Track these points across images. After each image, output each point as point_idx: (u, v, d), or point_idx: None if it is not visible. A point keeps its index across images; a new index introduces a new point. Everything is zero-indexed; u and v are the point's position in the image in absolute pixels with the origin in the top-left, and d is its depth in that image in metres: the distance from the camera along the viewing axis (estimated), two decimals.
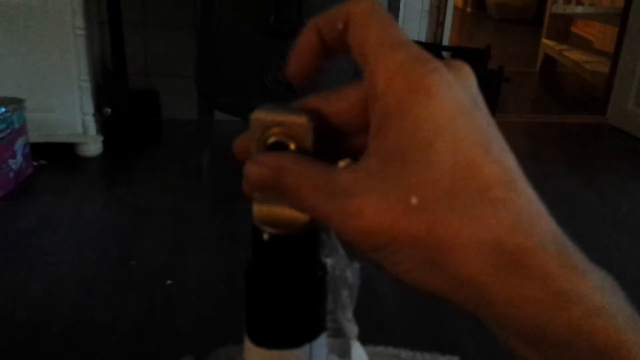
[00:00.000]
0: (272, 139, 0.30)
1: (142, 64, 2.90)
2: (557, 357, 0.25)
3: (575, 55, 4.35)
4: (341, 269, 0.33)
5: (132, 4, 2.77)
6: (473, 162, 0.25)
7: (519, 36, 6.38)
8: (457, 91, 0.26)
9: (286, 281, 0.31)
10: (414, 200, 0.25)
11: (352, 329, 0.35)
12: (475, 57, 2.73)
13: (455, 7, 4.00)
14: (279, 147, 0.30)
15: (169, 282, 1.72)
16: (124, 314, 1.58)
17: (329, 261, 0.33)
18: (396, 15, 2.90)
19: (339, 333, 0.35)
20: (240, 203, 2.18)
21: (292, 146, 0.30)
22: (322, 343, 0.33)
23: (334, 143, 0.31)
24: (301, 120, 0.29)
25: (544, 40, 4.80)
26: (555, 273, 0.24)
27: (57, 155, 2.47)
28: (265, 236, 0.30)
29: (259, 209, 0.31)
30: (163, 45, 2.89)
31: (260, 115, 0.30)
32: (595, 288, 0.25)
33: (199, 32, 2.27)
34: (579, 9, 4.86)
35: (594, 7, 4.91)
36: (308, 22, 0.30)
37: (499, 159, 0.26)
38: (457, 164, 0.25)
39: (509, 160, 0.26)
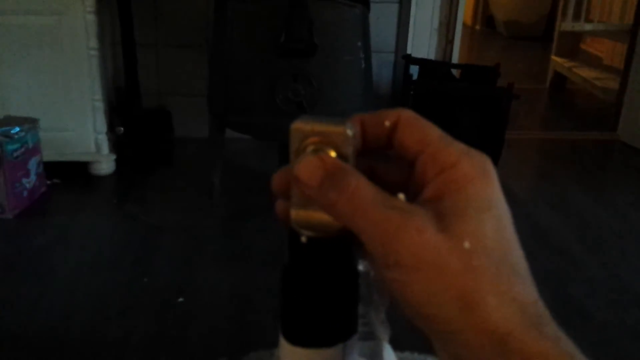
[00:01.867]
0: (311, 148, 0.30)
1: (154, 83, 2.93)
2: None
3: (585, 72, 4.34)
4: (376, 272, 0.35)
5: (145, 24, 2.80)
6: (510, 244, 0.30)
7: (528, 53, 6.38)
8: (501, 193, 0.32)
9: (322, 282, 0.33)
10: (466, 245, 0.29)
11: (385, 330, 0.36)
12: (484, 75, 2.74)
13: (464, 25, 4.02)
14: None
15: (180, 299, 1.72)
16: (136, 331, 1.58)
17: (361, 266, 0.34)
18: (405, 33, 2.92)
19: (369, 336, 0.36)
20: (251, 221, 2.20)
21: (333, 154, 0.30)
22: (354, 343, 0.35)
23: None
24: (340, 129, 0.30)
25: (554, 57, 4.80)
26: (566, 341, 0.29)
27: (70, 174, 2.49)
28: (303, 239, 0.32)
29: (297, 214, 0.32)
30: (175, 64, 2.92)
31: (299, 125, 0.31)
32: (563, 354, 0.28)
33: (210, 51, 2.29)
34: (588, 26, 4.86)
35: (603, 24, 4.91)
36: (353, 115, 0.33)
37: (520, 252, 0.31)
38: (501, 241, 0.30)
39: (524, 258, 0.32)
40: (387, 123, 0.33)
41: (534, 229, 2.23)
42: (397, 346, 0.39)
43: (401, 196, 0.31)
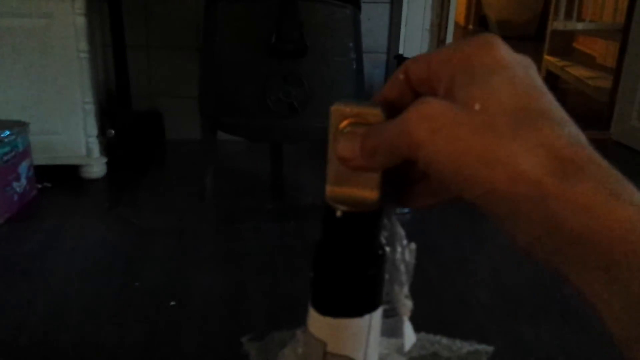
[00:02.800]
0: (348, 129, 0.34)
1: (145, 85, 2.91)
2: (604, 255, 0.26)
3: (578, 71, 4.35)
4: (401, 248, 0.38)
5: (136, 26, 2.79)
6: (531, 95, 0.30)
7: (521, 53, 6.38)
8: (516, 55, 0.32)
9: (354, 254, 0.35)
10: (477, 106, 0.29)
11: (408, 304, 0.39)
12: None
13: (457, 25, 4.02)
14: None
15: (173, 303, 1.71)
16: (128, 336, 1.57)
17: (387, 246, 0.37)
18: (397, 33, 2.91)
19: (390, 313, 0.39)
20: (244, 223, 2.19)
21: None
22: (379, 315, 0.37)
23: None
24: (375, 111, 0.34)
25: (546, 57, 4.81)
26: (607, 179, 0.28)
27: (61, 178, 2.48)
28: (339, 213, 0.34)
29: (332, 190, 0.35)
30: (166, 66, 2.91)
31: (339, 107, 0.34)
32: None
33: (201, 53, 2.28)
34: (580, 25, 4.87)
35: (595, 23, 4.93)
36: (374, 95, 0.37)
37: (552, 100, 0.30)
38: (517, 95, 0.29)
39: (560, 106, 0.31)
40: (401, 76, 0.35)
41: None
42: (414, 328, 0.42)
43: None
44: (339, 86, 2.17)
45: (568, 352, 1.57)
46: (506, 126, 0.28)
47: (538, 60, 5.01)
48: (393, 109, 0.34)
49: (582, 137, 0.30)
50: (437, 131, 0.29)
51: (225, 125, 2.24)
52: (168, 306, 1.70)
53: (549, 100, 0.30)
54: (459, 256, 1.99)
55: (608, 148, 3.37)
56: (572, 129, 0.30)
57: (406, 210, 0.39)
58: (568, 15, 4.82)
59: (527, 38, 6.90)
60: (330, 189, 0.35)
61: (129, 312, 1.68)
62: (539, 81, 0.31)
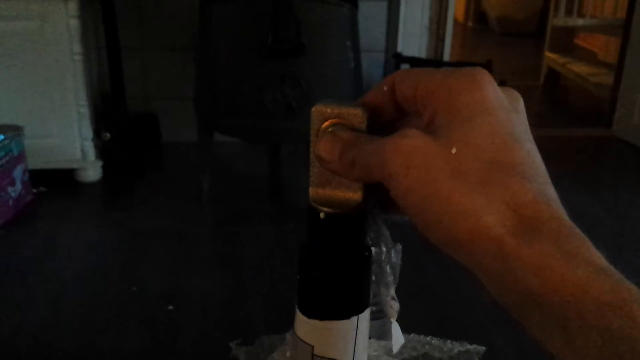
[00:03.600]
0: (330, 129, 0.34)
1: (140, 87, 2.89)
2: (565, 319, 0.27)
3: (579, 68, 4.32)
4: (387, 249, 0.38)
5: (130, 28, 2.77)
6: (507, 146, 0.29)
7: (521, 50, 6.36)
8: (501, 95, 0.31)
9: (339, 256, 0.35)
10: (453, 150, 0.29)
11: (395, 305, 0.39)
12: None
13: (456, 22, 4.01)
14: None
15: (170, 307, 1.70)
16: (126, 340, 1.57)
17: (372, 247, 0.37)
18: (395, 32, 2.89)
19: (377, 315, 0.39)
20: (241, 225, 2.17)
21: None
22: (366, 317, 0.37)
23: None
24: (356, 111, 0.34)
25: (547, 54, 4.79)
26: (567, 238, 0.27)
27: (56, 182, 2.46)
28: (322, 215, 0.34)
29: (316, 192, 0.35)
30: (161, 68, 2.89)
31: (320, 108, 0.34)
32: (598, 256, 0.27)
33: (197, 54, 2.26)
34: (581, 21, 4.84)
35: (595, 19, 4.90)
36: (360, 97, 0.36)
37: (529, 151, 0.30)
38: (493, 144, 0.29)
39: (537, 156, 0.31)
40: (385, 88, 0.34)
41: None
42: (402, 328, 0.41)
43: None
44: (336, 85, 2.15)
45: None
46: (476, 177, 0.29)
47: (539, 57, 4.99)
48: (374, 113, 0.35)
49: (549, 192, 0.30)
50: (411, 168, 0.30)
51: (221, 126, 2.22)
52: (166, 310, 1.69)
53: (525, 152, 0.30)
54: None
55: (611, 145, 3.35)
56: (539, 185, 0.29)
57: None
58: (568, 11, 4.79)
59: (528, 35, 6.88)
60: (313, 191, 0.35)
61: (127, 316, 1.67)
62: (519, 128, 0.31)
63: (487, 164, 0.29)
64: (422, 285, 1.83)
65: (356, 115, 0.34)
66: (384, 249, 0.38)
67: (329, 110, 0.34)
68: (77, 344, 1.55)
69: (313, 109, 0.34)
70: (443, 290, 1.84)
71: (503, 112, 0.31)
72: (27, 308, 1.68)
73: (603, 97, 3.84)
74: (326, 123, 0.34)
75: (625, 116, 3.35)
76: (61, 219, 2.21)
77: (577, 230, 0.28)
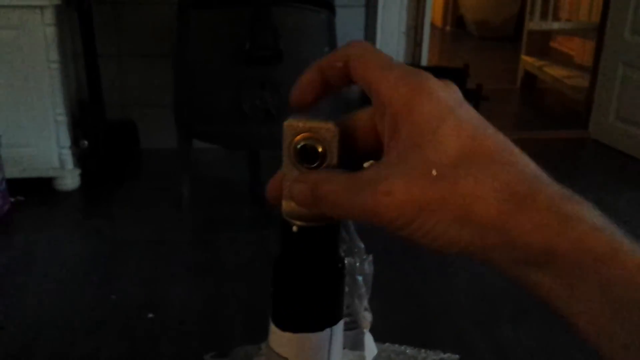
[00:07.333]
0: (302, 143, 0.34)
1: (118, 94, 2.88)
2: (565, 274, 0.29)
3: (555, 71, 4.37)
4: (360, 261, 0.38)
5: (107, 35, 2.76)
6: (476, 138, 0.31)
7: (499, 53, 6.40)
8: (449, 93, 0.33)
9: (312, 269, 0.36)
10: (434, 172, 0.30)
11: (367, 316, 0.40)
12: (454, 76, 2.70)
13: (434, 26, 4.03)
14: (308, 150, 0.34)
15: (150, 315, 1.69)
16: (105, 349, 1.56)
17: (346, 258, 0.37)
18: (373, 37, 2.90)
19: (351, 326, 0.40)
20: (221, 232, 2.16)
21: (320, 149, 0.34)
22: (340, 328, 0.38)
23: (355, 162, 0.36)
24: (328, 125, 0.34)
25: (524, 57, 4.83)
26: (559, 203, 0.30)
27: (34, 191, 2.44)
28: (295, 228, 0.35)
29: (289, 205, 0.35)
30: (139, 75, 2.88)
31: (292, 122, 0.34)
32: (594, 214, 0.30)
33: (175, 61, 2.25)
34: (556, 25, 4.90)
35: (570, 22, 4.95)
36: (312, 64, 0.36)
37: (496, 135, 0.32)
38: (463, 142, 0.31)
39: (503, 136, 0.32)
40: (339, 64, 0.35)
41: None
42: (377, 338, 0.43)
43: (366, 164, 0.35)
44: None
45: (549, 352, 1.57)
46: (465, 180, 0.30)
47: (516, 60, 5.03)
48: (347, 130, 0.35)
49: (531, 167, 0.32)
50: (408, 219, 0.31)
51: (200, 133, 2.21)
52: (145, 318, 1.68)
53: (495, 138, 0.32)
54: (440, 260, 1.98)
55: (587, 147, 3.38)
56: (522, 166, 0.32)
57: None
58: (544, 15, 4.84)
59: (506, 38, 6.93)
60: (286, 204, 0.35)
61: (106, 325, 1.66)
62: (474, 117, 0.33)
63: (467, 162, 0.31)
64: (401, 289, 1.84)
65: (328, 129, 0.34)
66: (358, 260, 0.38)
67: (300, 124, 0.34)
68: (56, 353, 1.54)
69: (285, 123, 0.34)
70: (422, 294, 1.85)
71: (458, 110, 0.32)
72: (6, 317, 1.67)
73: (579, 99, 3.88)
74: (298, 137, 0.34)
75: (601, 118, 3.40)
76: (39, 228, 2.19)
77: (570, 193, 0.31)
